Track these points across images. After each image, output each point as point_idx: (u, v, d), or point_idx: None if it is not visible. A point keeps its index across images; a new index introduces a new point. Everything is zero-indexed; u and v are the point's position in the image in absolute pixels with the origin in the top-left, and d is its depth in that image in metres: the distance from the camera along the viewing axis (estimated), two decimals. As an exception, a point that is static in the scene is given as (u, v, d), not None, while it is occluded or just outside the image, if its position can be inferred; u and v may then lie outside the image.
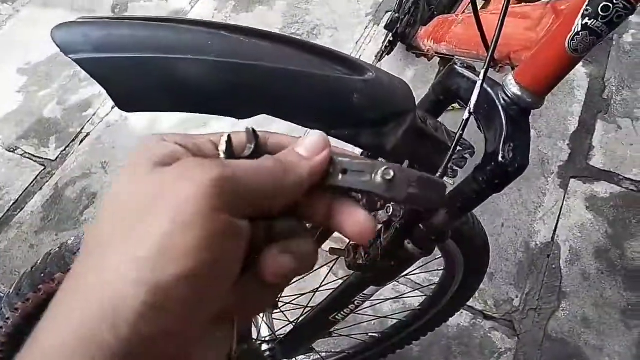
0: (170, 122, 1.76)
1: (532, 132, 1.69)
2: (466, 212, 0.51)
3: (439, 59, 1.12)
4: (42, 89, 1.89)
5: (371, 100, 0.41)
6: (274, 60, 0.37)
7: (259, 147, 0.29)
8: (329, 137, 0.29)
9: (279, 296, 0.25)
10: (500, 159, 0.47)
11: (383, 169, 0.26)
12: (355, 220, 0.28)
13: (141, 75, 0.34)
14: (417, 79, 1.78)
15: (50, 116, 1.81)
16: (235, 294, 0.25)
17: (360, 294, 0.64)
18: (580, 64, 1.89)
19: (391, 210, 0.54)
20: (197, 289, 0.22)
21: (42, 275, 0.60)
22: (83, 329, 0.21)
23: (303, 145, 0.28)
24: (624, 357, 1.28)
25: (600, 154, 1.63)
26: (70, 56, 0.33)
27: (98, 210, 1.56)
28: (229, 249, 0.23)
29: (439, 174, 0.48)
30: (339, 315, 0.69)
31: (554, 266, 1.42)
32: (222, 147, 0.27)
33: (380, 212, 0.57)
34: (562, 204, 1.53)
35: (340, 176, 0.27)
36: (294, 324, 0.80)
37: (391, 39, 1.20)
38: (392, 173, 0.26)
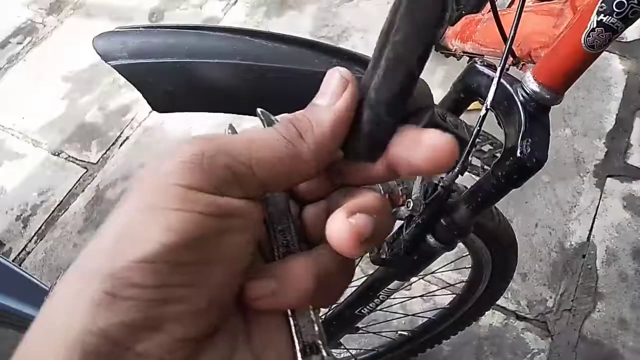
0: (205, 126, 1.81)
1: (567, 131, 1.66)
2: (487, 207, 0.53)
3: (467, 57, 1.13)
4: (84, 95, 1.97)
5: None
6: (294, 62, 0.40)
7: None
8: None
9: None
10: (518, 154, 0.48)
11: None
12: (430, 142, 0.23)
13: (172, 78, 0.37)
14: (448, 78, 1.78)
15: (92, 121, 1.89)
16: (280, 280, 0.23)
17: (385, 288, 0.65)
18: (618, 60, 1.85)
19: (411, 205, 0.55)
20: (165, 275, 0.19)
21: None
22: (52, 327, 0.19)
23: (321, 93, 0.25)
24: (664, 360, 1.24)
25: (639, 152, 1.59)
26: (109, 63, 0.37)
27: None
28: (215, 231, 0.21)
29: (457, 169, 0.49)
30: (365, 309, 0.71)
31: (589, 267, 1.39)
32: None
33: (402, 207, 0.59)
34: (599, 204, 1.50)
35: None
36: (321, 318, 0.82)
37: (419, 39, 1.21)
38: None
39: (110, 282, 0.19)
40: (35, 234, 1.59)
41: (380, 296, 0.67)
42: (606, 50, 0.45)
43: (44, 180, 1.73)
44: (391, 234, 0.63)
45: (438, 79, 1.76)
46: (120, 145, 1.81)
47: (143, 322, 0.19)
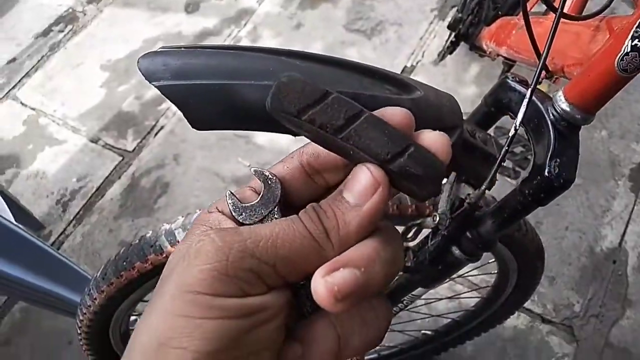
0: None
1: (604, 133, 1.63)
2: (512, 223, 0.53)
3: (502, 58, 1.11)
4: (122, 84, 2.02)
5: (418, 118, 0.44)
6: (326, 82, 0.41)
7: (272, 191, 0.26)
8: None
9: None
10: (546, 173, 0.48)
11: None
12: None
13: (211, 99, 0.39)
14: (482, 75, 1.76)
15: (128, 110, 1.94)
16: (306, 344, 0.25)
17: (409, 294, 0.67)
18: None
19: (438, 219, 0.56)
20: None
21: (124, 263, 0.68)
22: None
23: (349, 186, 0.24)
24: (693, 371, 1.22)
25: (678, 156, 1.55)
26: (152, 83, 0.39)
27: (169, 199, 1.67)
28: (244, 329, 0.22)
29: (485, 185, 0.50)
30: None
31: (619, 273, 1.37)
32: (228, 207, 0.26)
33: (428, 219, 0.60)
34: (633, 209, 1.47)
35: None
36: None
37: (453, 39, 1.20)
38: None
39: None
40: (74, 218, 1.66)
41: (404, 301, 0.69)
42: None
43: (82, 166, 1.79)
44: (417, 242, 0.64)
45: (472, 75, 1.74)
46: (156, 134, 1.85)
47: None
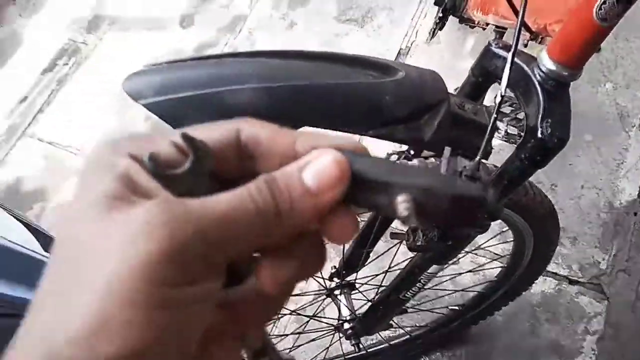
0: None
1: (608, 86, 1.60)
2: (514, 190, 0.53)
3: (494, 26, 1.11)
4: (131, 108, 2.04)
5: (402, 99, 0.45)
6: (308, 77, 0.42)
7: (201, 160, 0.22)
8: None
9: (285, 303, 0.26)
10: (539, 135, 0.49)
11: (401, 200, 0.22)
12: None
13: (197, 109, 0.40)
14: (478, 46, 1.74)
15: (141, 131, 1.96)
16: (234, 309, 0.24)
17: (425, 273, 0.67)
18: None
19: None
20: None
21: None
22: None
23: (311, 169, 0.22)
24: None
25: (688, 99, 1.52)
26: (138, 102, 0.40)
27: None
28: (184, 318, 0.20)
29: (480, 155, 0.51)
30: (408, 293, 0.73)
31: (642, 224, 1.36)
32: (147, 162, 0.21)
33: None
34: (648, 158, 1.45)
35: (353, 192, 0.23)
36: (370, 301, 0.85)
37: (441, 14, 1.20)
38: (408, 207, 0.22)
39: None
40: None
41: (422, 280, 0.70)
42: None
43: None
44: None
45: (468, 48, 1.73)
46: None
47: None
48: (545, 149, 0.49)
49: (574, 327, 1.26)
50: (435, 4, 1.21)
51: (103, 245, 0.19)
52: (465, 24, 1.27)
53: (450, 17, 1.30)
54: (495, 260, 1.32)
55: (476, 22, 1.06)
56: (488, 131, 0.49)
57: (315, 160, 0.22)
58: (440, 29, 1.23)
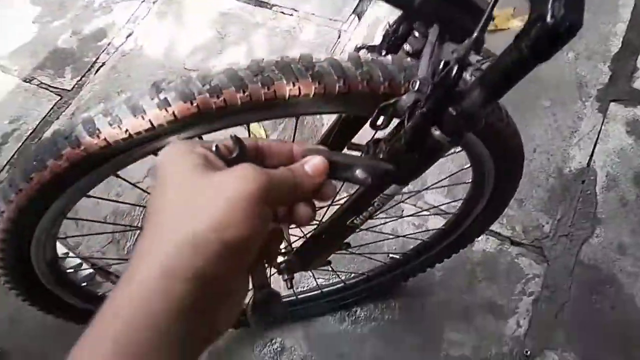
0: (186, 49, 1.70)
1: (570, 55, 1.58)
2: (504, 90, 0.44)
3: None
4: (56, 19, 1.84)
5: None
6: None
7: (243, 152, 0.39)
8: None
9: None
10: (549, 18, 0.39)
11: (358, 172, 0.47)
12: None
13: None
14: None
15: (65, 46, 1.77)
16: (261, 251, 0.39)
17: (381, 194, 0.59)
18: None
19: (417, 84, 0.47)
20: (247, 246, 0.34)
21: (34, 162, 0.56)
22: (167, 263, 0.31)
23: (310, 165, 0.41)
24: (662, 284, 1.22)
25: (645, 75, 1.51)
26: None
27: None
28: (263, 224, 0.35)
29: (474, 37, 0.42)
30: (357, 219, 0.65)
31: (588, 192, 1.34)
32: (214, 150, 0.38)
33: (403, 97, 0.51)
34: (600, 129, 1.44)
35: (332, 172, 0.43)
36: (307, 236, 0.77)
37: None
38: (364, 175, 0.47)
39: (224, 245, 0.33)
40: (7, 162, 1.51)
41: (375, 203, 0.61)
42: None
43: (15, 107, 1.63)
44: (389, 131, 0.55)
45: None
46: (96, 71, 1.70)
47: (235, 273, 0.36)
48: (553, 34, 0.39)
49: (511, 288, 1.23)
50: None
51: (213, 185, 0.34)
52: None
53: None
54: (440, 214, 1.28)
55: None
56: (485, 15, 0.40)
57: (310, 160, 0.42)
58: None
